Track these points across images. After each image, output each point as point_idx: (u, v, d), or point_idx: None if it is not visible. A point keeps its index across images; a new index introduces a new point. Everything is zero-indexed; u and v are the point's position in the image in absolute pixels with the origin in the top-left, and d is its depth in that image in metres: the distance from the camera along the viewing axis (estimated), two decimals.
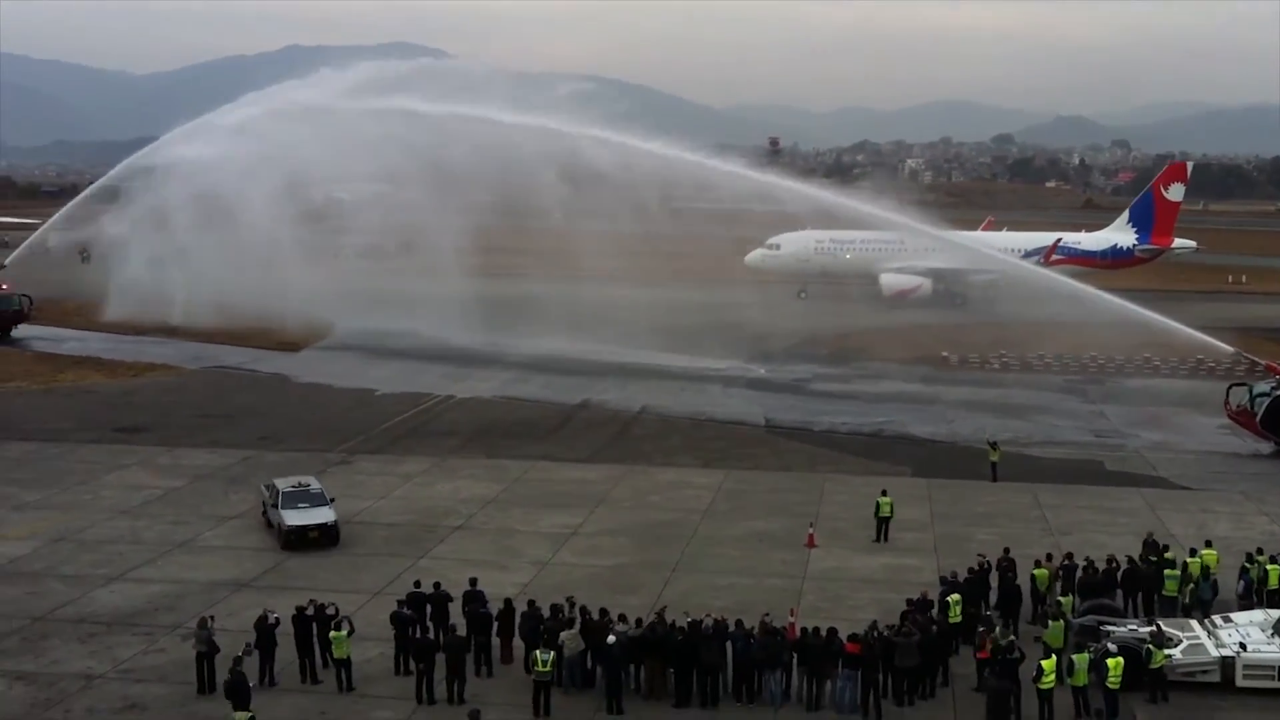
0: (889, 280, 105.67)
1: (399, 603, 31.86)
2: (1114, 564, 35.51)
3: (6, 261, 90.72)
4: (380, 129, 77.66)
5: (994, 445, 51.07)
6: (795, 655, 29.63)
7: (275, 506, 40.83)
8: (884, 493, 43.06)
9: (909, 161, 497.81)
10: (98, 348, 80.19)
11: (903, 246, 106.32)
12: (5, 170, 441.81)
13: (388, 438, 56.47)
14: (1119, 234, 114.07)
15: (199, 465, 50.81)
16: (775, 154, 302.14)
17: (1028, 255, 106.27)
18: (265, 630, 30.18)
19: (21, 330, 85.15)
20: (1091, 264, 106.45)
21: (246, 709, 26.60)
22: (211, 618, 30.87)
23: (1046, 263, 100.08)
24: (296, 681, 30.20)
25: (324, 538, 40.07)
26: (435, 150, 75.81)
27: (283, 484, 41.86)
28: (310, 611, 30.77)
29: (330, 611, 30.76)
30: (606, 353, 77.04)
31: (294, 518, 40.05)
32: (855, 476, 50.56)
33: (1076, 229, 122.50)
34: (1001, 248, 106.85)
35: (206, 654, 29.61)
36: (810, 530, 41.90)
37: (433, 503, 45.71)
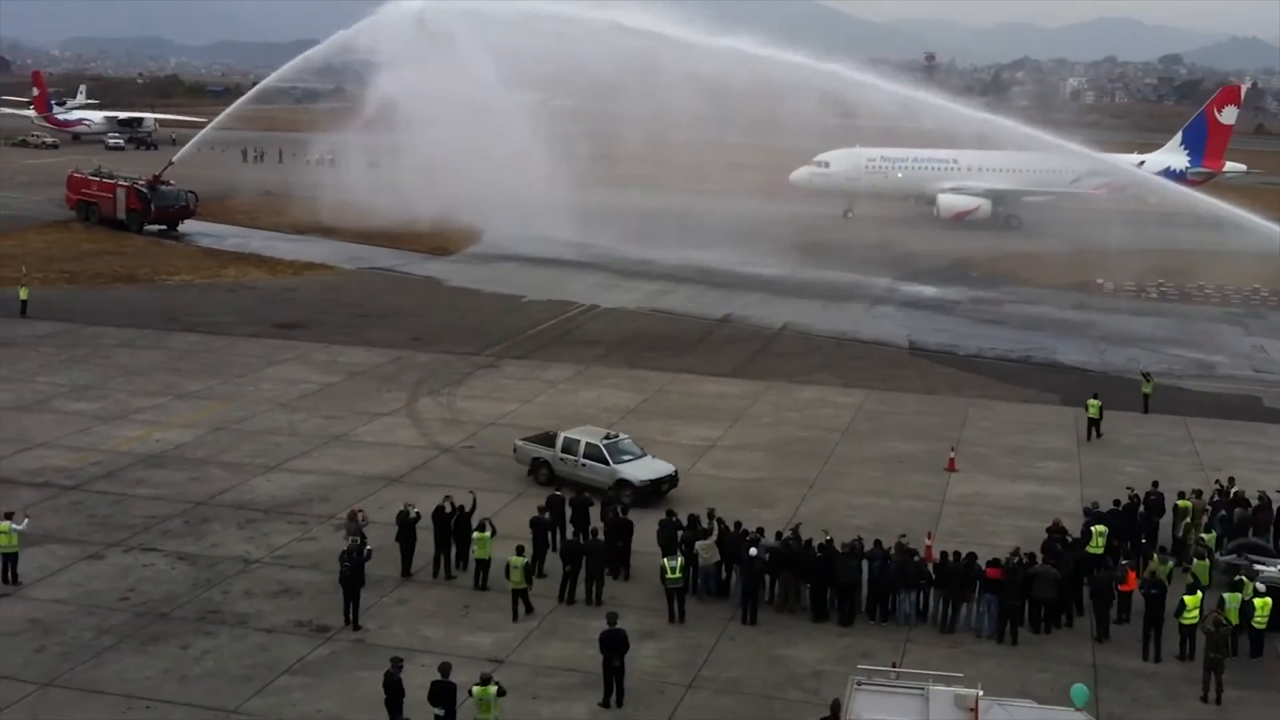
0: (947, 201, 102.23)
1: (539, 508, 32.58)
2: (1264, 501, 34.69)
3: (175, 158, 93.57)
4: (532, 37, 77.98)
5: (1147, 376, 49.80)
6: (934, 577, 29.67)
7: (600, 461, 36.82)
8: (1095, 395, 45.59)
9: (1070, 81, 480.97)
10: (259, 245, 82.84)
11: (956, 166, 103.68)
12: (173, 69, 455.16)
13: (534, 344, 57.37)
14: (1172, 156, 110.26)
15: (354, 363, 52.34)
16: (931, 70, 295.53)
17: (1083, 178, 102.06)
18: (406, 524, 31.23)
19: (187, 225, 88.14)
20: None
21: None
22: (361, 511, 32.01)
23: None
24: (430, 576, 31.17)
25: (670, 489, 37.23)
26: (585, 61, 75.89)
27: (589, 437, 37.68)
28: (448, 509, 31.57)
29: (468, 509, 31.62)
30: (748, 265, 77.10)
31: (639, 471, 36.75)
32: (1000, 402, 49.97)
33: (1243, 157, 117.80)
34: (1043, 169, 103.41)
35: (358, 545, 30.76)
36: (951, 455, 41.58)
37: (575, 409, 46.24)
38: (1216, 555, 31.53)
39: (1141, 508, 34.17)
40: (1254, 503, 34.72)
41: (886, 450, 43.02)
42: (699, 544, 30.57)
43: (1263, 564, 30.78)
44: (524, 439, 39.37)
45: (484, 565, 30.72)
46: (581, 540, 31.50)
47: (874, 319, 66.21)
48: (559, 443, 37.93)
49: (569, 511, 32.94)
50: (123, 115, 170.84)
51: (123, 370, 49.97)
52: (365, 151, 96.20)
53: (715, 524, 31.68)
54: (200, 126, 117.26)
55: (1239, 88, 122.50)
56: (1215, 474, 40.05)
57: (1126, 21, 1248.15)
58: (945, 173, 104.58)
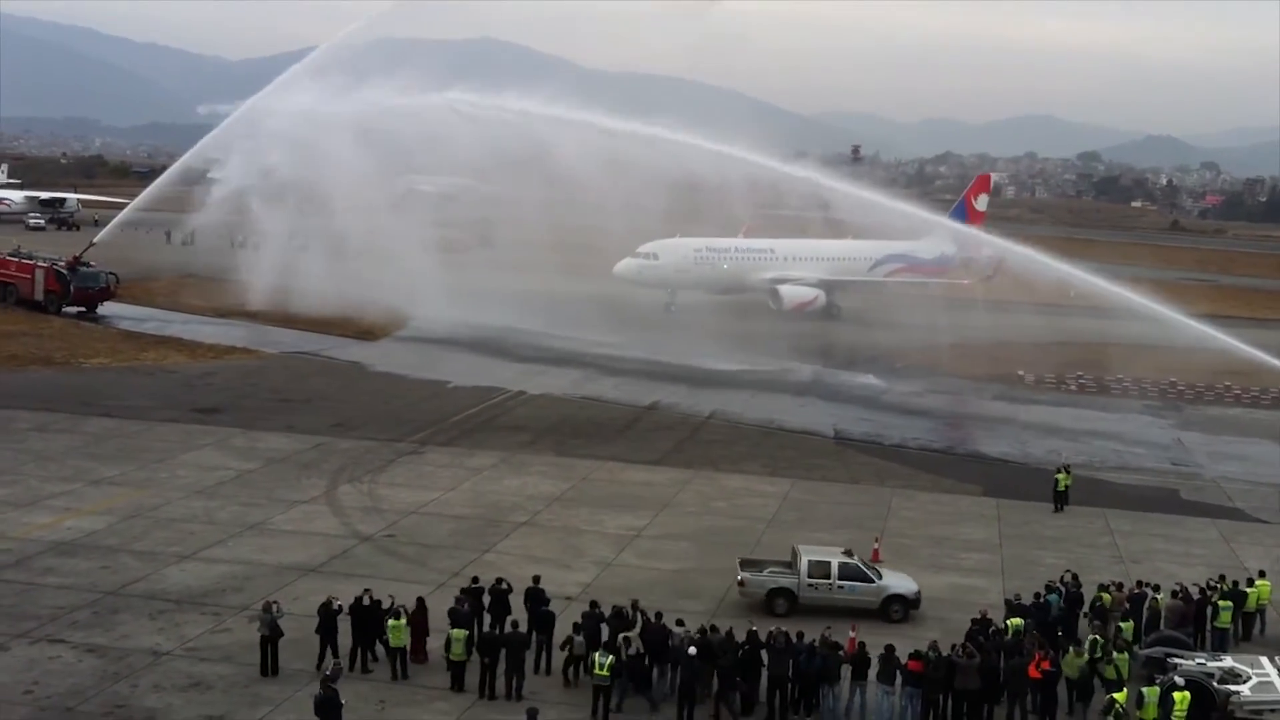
0: (789, 292, 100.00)
1: (456, 598, 31.97)
2: (1185, 595, 34.99)
3: (96, 239, 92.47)
4: (467, 124, 78.42)
5: (1067, 468, 50.36)
6: (852, 669, 29.46)
7: (861, 580, 35.93)
8: (1058, 470, 48.98)
9: (992, 176, 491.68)
10: (180, 328, 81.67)
11: (773, 255, 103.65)
12: (99, 150, 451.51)
13: (459, 430, 56.89)
14: (943, 243, 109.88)
15: (274, 449, 51.50)
16: (856, 162, 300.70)
17: (878, 264, 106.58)
18: (328, 616, 30.60)
19: (107, 308, 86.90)
20: (926, 271, 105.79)
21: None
22: (276, 603, 31.18)
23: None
24: (346, 669, 30.17)
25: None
26: (518, 148, 76.52)
27: (833, 557, 36.51)
28: (366, 601, 31.03)
29: (387, 604, 31.01)
30: (677, 355, 77.24)
31: (902, 584, 36.51)
32: (923, 493, 50.22)
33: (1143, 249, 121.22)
34: (846, 256, 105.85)
35: (270, 638, 30.05)
36: (876, 545, 41.56)
37: (499, 498, 45.99)
38: (1136, 649, 31.66)
39: (1061, 600, 34.33)
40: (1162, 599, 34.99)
41: (812, 540, 42.76)
42: (621, 636, 30.16)
43: (1181, 658, 30.98)
44: (748, 572, 36.65)
45: (399, 654, 30.22)
46: (500, 632, 30.95)
47: (799, 407, 66.48)
48: (803, 568, 36.06)
49: (487, 600, 32.42)
50: (44, 195, 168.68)
51: (35, 455, 48.75)
52: (289, 235, 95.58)
53: (639, 615, 31.31)
54: (123, 208, 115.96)
55: (989, 177, 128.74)
56: (1135, 566, 40.46)
57: (1046, 118, 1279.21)
58: (765, 262, 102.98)
